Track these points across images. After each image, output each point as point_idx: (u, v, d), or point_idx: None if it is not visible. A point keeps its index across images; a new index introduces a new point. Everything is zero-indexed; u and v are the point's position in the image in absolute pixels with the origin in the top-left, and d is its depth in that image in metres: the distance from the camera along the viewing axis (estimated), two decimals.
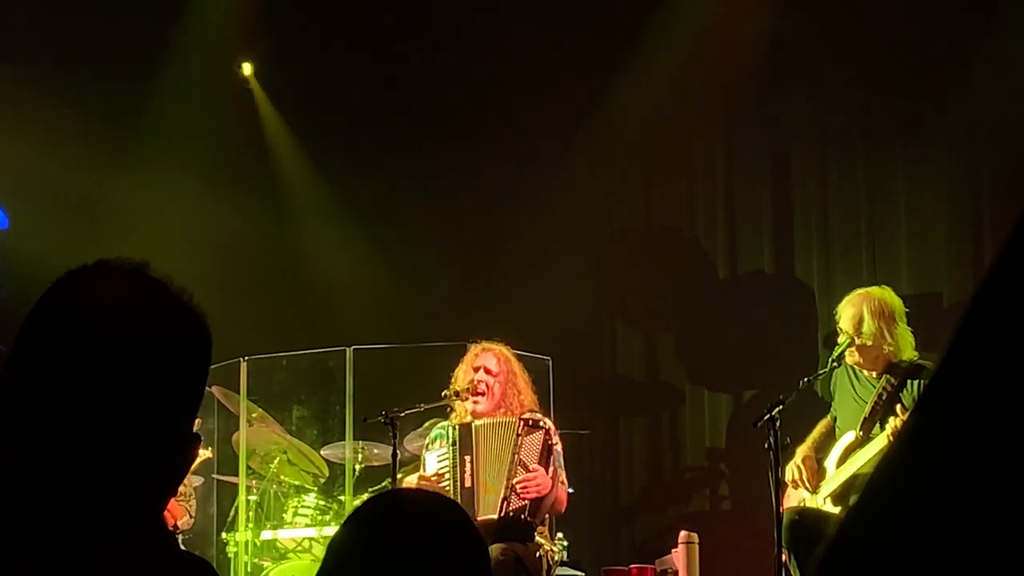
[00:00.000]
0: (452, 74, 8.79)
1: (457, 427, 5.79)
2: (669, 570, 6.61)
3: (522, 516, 5.55)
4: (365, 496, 6.42)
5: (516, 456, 5.62)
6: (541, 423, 5.72)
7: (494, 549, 5.39)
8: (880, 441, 5.49)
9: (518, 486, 5.57)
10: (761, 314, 7.81)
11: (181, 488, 6.66)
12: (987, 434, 0.76)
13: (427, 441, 6.02)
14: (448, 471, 5.73)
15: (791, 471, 5.66)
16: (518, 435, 5.65)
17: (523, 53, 8.40)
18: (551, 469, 5.65)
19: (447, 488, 5.69)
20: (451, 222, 8.76)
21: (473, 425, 5.76)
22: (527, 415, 5.79)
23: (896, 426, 5.37)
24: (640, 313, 8.42)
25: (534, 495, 5.57)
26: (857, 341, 5.64)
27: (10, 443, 1.34)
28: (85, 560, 1.27)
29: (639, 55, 8.31)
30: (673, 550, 6.58)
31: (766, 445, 5.25)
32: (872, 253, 7.43)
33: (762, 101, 7.99)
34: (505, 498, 5.57)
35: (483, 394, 5.82)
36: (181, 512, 6.99)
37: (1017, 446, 0.75)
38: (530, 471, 5.59)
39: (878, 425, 5.58)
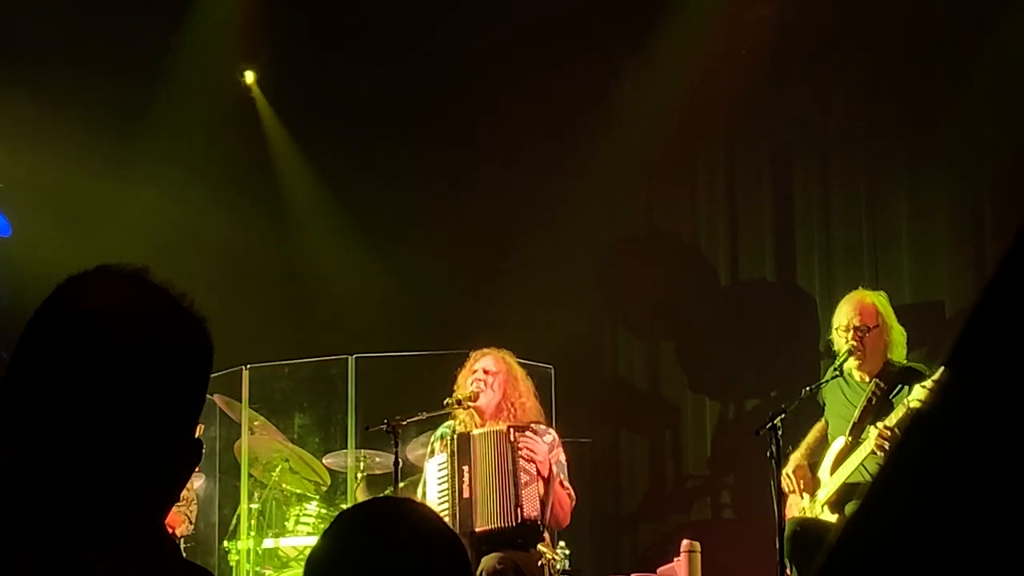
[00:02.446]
0: (454, 80, 8.79)
1: (455, 438, 5.79)
2: None
3: (538, 522, 5.58)
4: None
5: (519, 463, 5.63)
6: (530, 426, 5.72)
7: (491, 558, 5.39)
8: (868, 446, 5.50)
9: (524, 449, 5.58)
10: (763, 322, 7.81)
11: (182, 493, 6.66)
12: (988, 442, 0.76)
13: (431, 440, 6.02)
14: (447, 482, 5.73)
15: (784, 481, 5.67)
16: (511, 442, 5.65)
17: (524, 61, 8.41)
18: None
19: (445, 498, 5.68)
20: (453, 230, 8.76)
21: (471, 435, 5.77)
22: (515, 423, 5.79)
23: (883, 428, 5.38)
24: (642, 321, 8.42)
25: (535, 457, 5.58)
26: (870, 333, 5.66)
27: (11, 447, 1.34)
28: (84, 564, 1.26)
29: (640, 62, 8.31)
30: (675, 559, 6.57)
31: (768, 454, 5.25)
32: (874, 261, 7.42)
33: (764, 109, 7.99)
34: (519, 504, 5.58)
35: (485, 391, 5.84)
36: (179, 520, 6.97)
37: (1019, 455, 0.74)
38: (533, 476, 5.60)
39: (868, 429, 5.59)
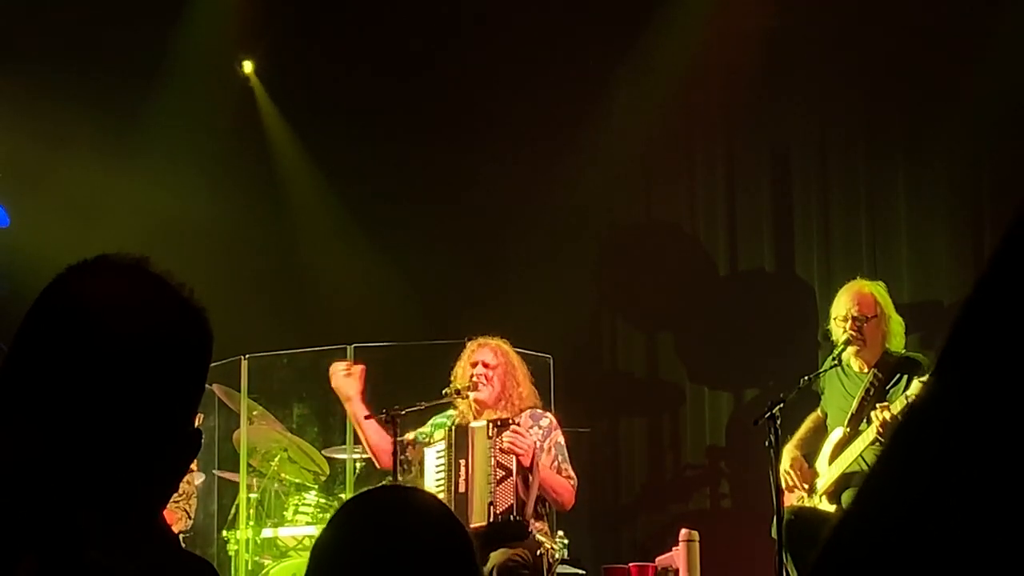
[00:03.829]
0: (451, 72, 8.78)
1: (453, 429, 5.78)
2: (670, 568, 6.60)
3: (511, 516, 5.53)
4: None
5: (494, 459, 5.60)
6: (511, 420, 5.69)
7: (500, 554, 5.37)
8: (868, 436, 5.50)
9: (506, 442, 5.55)
10: (761, 312, 7.81)
11: (180, 487, 6.65)
12: (984, 433, 0.76)
13: (430, 427, 6.00)
14: (443, 472, 5.72)
15: (784, 478, 5.67)
16: (489, 437, 5.63)
17: (524, 52, 8.40)
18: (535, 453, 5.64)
19: (442, 491, 5.67)
20: (452, 219, 8.76)
21: (470, 427, 5.74)
22: (514, 413, 5.78)
23: (882, 419, 5.38)
24: (641, 311, 8.42)
25: (517, 451, 5.55)
26: (868, 322, 5.67)
27: (10, 441, 1.34)
28: (85, 559, 1.26)
29: (639, 54, 8.30)
30: (674, 548, 6.58)
31: (767, 443, 5.26)
32: (872, 251, 7.43)
33: (762, 100, 7.99)
34: (491, 502, 5.55)
35: (486, 385, 5.82)
36: (176, 517, 6.97)
37: (1015, 445, 0.74)
38: (509, 471, 5.57)
39: (865, 421, 5.59)
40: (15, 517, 1.27)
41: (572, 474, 5.81)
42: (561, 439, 5.86)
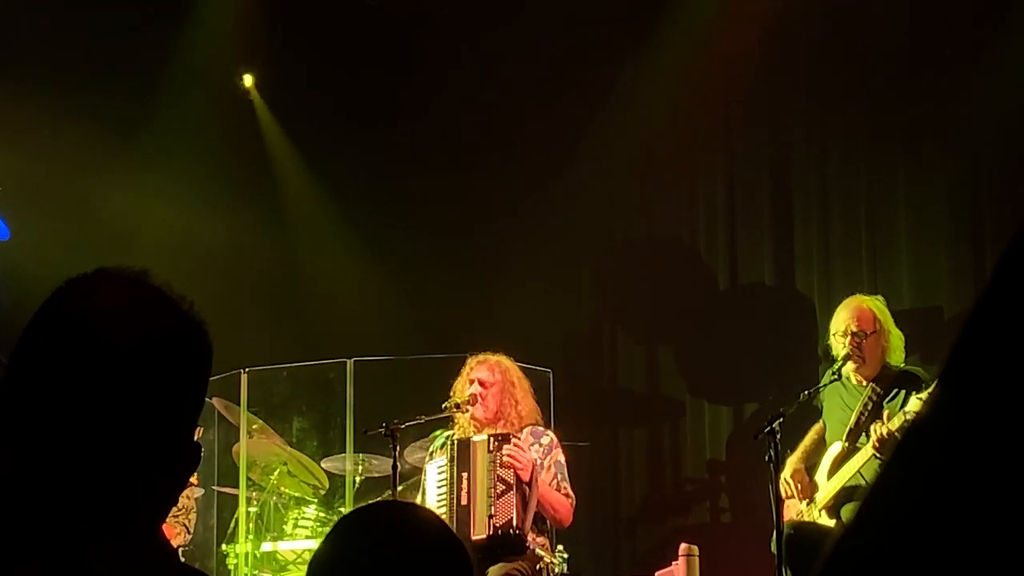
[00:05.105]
0: (452, 85, 8.80)
1: (455, 443, 5.77)
2: None
3: (510, 530, 5.52)
4: None
5: (494, 473, 5.60)
6: (512, 435, 5.68)
7: (499, 568, 5.37)
8: (866, 451, 5.50)
9: (506, 457, 5.54)
10: (762, 326, 7.80)
11: (180, 501, 6.63)
12: (985, 448, 0.76)
13: (431, 448, 6.02)
14: (445, 486, 5.72)
15: (782, 486, 5.67)
16: (490, 451, 5.63)
17: (524, 65, 8.42)
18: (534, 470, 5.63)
19: (444, 503, 5.66)
20: (452, 233, 8.77)
21: (472, 441, 5.74)
22: (512, 430, 5.77)
23: (880, 434, 5.38)
24: (641, 325, 8.42)
25: (516, 465, 5.54)
26: (868, 338, 5.67)
27: (10, 452, 1.33)
28: (85, 568, 1.26)
29: (638, 66, 8.32)
30: (673, 563, 6.56)
31: (766, 457, 5.25)
32: (873, 265, 7.42)
33: (763, 113, 8.00)
34: (491, 515, 5.54)
35: (481, 404, 5.82)
36: (175, 531, 6.96)
37: (1017, 461, 0.74)
38: (509, 485, 5.56)
39: (864, 435, 5.59)
40: (16, 524, 1.27)
41: (571, 492, 5.80)
42: (561, 457, 5.85)
